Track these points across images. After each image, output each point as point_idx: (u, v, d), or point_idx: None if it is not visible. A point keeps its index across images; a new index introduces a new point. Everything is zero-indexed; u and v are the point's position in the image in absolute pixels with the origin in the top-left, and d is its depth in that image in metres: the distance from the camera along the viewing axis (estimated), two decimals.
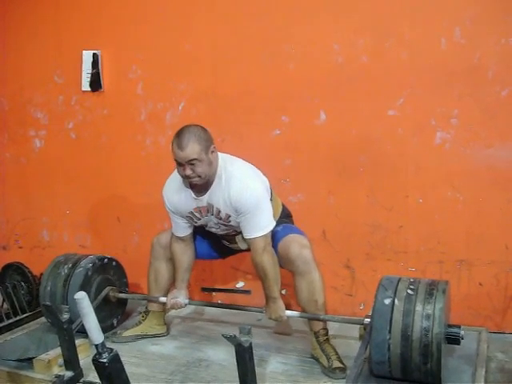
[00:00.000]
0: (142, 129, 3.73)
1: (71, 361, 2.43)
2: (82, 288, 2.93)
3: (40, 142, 4.12)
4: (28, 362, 2.66)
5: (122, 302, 3.30)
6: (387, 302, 2.28)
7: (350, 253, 3.28)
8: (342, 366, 2.56)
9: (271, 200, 2.73)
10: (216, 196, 2.64)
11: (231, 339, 2.00)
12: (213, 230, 2.83)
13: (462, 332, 2.33)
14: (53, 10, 3.96)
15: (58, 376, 2.41)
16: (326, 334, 2.71)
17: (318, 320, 2.70)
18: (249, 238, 2.64)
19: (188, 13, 3.53)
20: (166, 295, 3.06)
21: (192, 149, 2.48)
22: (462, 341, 2.36)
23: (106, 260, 3.21)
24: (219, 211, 2.67)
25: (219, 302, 3.65)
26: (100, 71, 3.81)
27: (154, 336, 3.08)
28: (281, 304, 2.69)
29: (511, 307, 3.02)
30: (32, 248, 4.20)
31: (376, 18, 3.13)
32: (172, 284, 3.04)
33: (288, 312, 2.70)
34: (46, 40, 4.00)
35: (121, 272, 3.32)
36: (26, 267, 3.56)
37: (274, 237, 2.72)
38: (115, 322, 3.24)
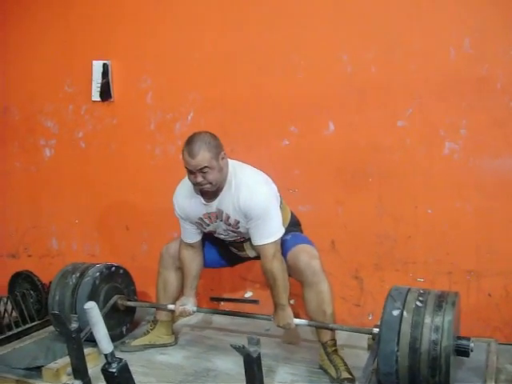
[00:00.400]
0: (151, 138, 3.75)
1: (80, 370, 2.43)
2: (90, 297, 2.95)
3: (50, 151, 4.15)
4: (36, 370, 2.67)
5: (131, 310, 3.29)
6: (396, 313, 2.27)
7: (359, 263, 3.28)
8: (350, 376, 2.54)
9: (280, 207, 2.73)
10: (225, 202, 2.65)
11: (240, 350, 2.00)
12: (221, 236, 2.83)
13: (472, 344, 2.31)
14: (64, 19, 4.00)
15: None
16: (335, 344, 2.70)
17: (327, 329, 2.69)
18: (258, 244, 2.64)
19: (198, 24, 3.55)
20: (174, 303, 3.07)
21: (203, 156, 2.48)
22: (470, 352, 2.34)
23: (113, 268, 3.21)
24: (228, 217, 2.67)
25: (228, 311, 3.64)
26: (110, 81, 3.84)
27: (162, 346, 3.08)
28: (289, 311, 2.68)
29: None
30: (41, 256, 4.21)
31: (385, 29, 3.14)
32: (180, 293, 3.03)
33: (296, 320, 2.69)
34: (57, 50, 4.04)
35: (128, 280, 3.32)
36: (35, 276, 3.57)
37: (284, 246, 2.71)
38: (124, 330, 3.24)
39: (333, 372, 2.60)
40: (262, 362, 2.06)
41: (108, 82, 3.84)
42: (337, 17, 3.25)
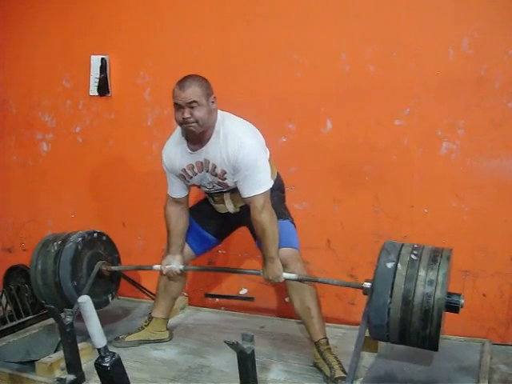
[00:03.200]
0: (148, 134, 3.75)
1: (73, 364, 2.43)
2: (73, 263, 2.93)
3: (47, 145, 4.15)
4: (30, 364, 2.67)
5: (116, 278, 3.23)
6: (390, 265, 2.24)
7: (354, 262, 3.28)
8: (344, 375, 2.53)
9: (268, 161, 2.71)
10: (213, 151, 2.61)
11: (233, 346, 2.00)
12: (206, 189, 2.80)
13: (462, 301, 2.26)
14: (62, 14, 4.00)
15: (59, 379, 2.42)
16: (327, 343, 2.70)
17: (316, 282, 2.69)
18: (248, 196, 2.60)
19: (197, 20, 3.55)
20: (172, 306, 3.12)
21: (193, 91, 2.49)
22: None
23: (95, 234, 3.15)
24: (215, 167, 2.64)
25: (223, 308, 3.64)
26: (108, 76, 3.84)
27: (157, 341, 3.07)
28: (278, 264, 2.63)
29: None
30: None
31: (384, 28, 3.14)
32: (181, 292, 3.06)
33: (285, 274, 2.64)
34: (55, 44, 4.04)
35: (112, 247, 3.25)
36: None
37: None
38: (110, 298, 3.17)
39: (327, 370, 2.60)
40: (256, 359, 2.06)
41: (106, 77, 3.84)
42: (335, 15, 3.25)
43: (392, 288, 2.20)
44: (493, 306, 3.04)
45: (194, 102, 2.49)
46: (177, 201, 2.87)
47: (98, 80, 3.86)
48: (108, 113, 3.90)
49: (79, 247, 3.00)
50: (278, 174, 2.88)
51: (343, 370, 2.57)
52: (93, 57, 3.87)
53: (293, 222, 2.80)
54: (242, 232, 2.94)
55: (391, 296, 2.20)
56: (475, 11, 2.98)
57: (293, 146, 3.36)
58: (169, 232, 2.91)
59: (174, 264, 2.88)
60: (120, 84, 3.86)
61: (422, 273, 2.20)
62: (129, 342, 3.04)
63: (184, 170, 2.73)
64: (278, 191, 2.83)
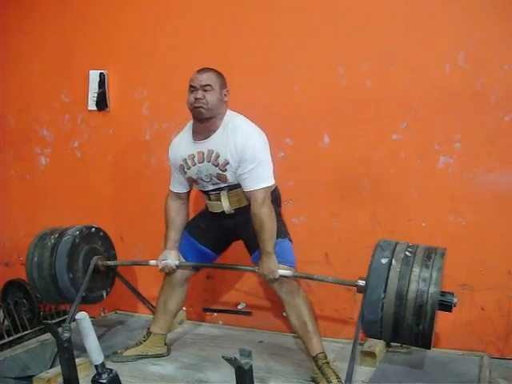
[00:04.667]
0: (146, 148, 3.76)
1: (71, 380, 2.41)
2: (70, 256, 2.94)
3: (45, 159, 4.15)
4: (27, 379, 2.66)
5: (111, 273, 3.24)
6: (384, 261, 2.25)
7: (352, 276, 3.22)
8: None
9: None
10: (219, 142, 2.69)
11: (231, 361, 1.99)
12: (203, 183, 2.80)
13: (455, 299, 2.26)
14: (61, 29, 4.03)
15: None
16: (325, 357, 2.70)
17: (311, 279, 2.73)
18: (249, 190, 2.64)
19: (195, 36, 3.57)
20: (171, 322, 3.12)
21: (209, 76, 2.68)
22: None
23: (93, 229, 3.16)
24: (218, 156, 2.68)
25: (221, 323, 3.63)
26: (106, 91, 3.85)
27: (155, 356, 3.06)
28: (274, 260, 2.65)
29: None
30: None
31: (380, 42, 3.16)
32: (180, 308, 3.09)
33: (281, 271, 2.65)
34: (54, 59, 4.06)
35: (108, 243, 3.27)
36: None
37: None
38: (104, 294, 3.17)
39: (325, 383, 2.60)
40: (254, 374, 2.04)
41: (104, 92, 3.85)
42: (333, 30, 3.27)
43: (386, 283, 2.21)
44: (491, 319, 3.03)
45: (208, 85, 2.65)
46: (178, 195, 2.93)
47: (96, 95, 3.87)
48: (106, 127, 3.91)
49: (76, 240, 3.01)
50: (276, 186, 2.88)
51: None
52: (91, 71, 3.88)
53: (291, 240, 2.82)
54: (240, 247, 2.95)
55: (385, 291, 2.20)
56: (471, 26, 3.01)
57: (290, 161, 3.37)
58: (167, 226, 2.94)
59: (170, 259, 2.90)
60: (118, 99, 3.88)
61: (416, 269, 2.21)
62: (126, 356, 3.02)
63: (185, 159, 2.79)
64: (274, 204, 2.81)
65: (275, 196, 2.85)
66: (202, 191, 2.87)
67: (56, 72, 4.05)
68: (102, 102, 3.86)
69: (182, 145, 2.82)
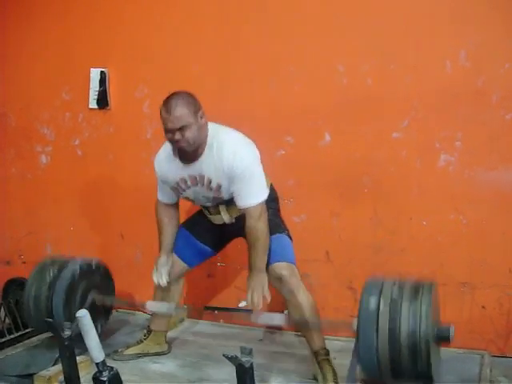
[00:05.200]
0: (147, 147, 3.74)
1: (71, 378, 2.42)
2: (68, 291, 2.93)
3: (46, 158, 4.15)
4: (29, 377, 2.66)
5: (107, 310, 3.22)
6: (372, 307, 2.22)
7: (353, 274, 3.27)
8: None
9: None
10: (207, 165, 2.60)
11: (232, 359, 1.99)
12: (199, 202, 2.81)
13: (452, 332, 2.24)
14: (62, 27, 4.02)
15: None
16: (326, 354, 2.69)
17: (307, 326, 2.68)
18: (244, 207, 2.60)
19: (195, 34, 3.57)
20: (167, 321, 3.14)
21: (180, 113, 2.47)
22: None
23: (93, 265, 3.13)
24: (210, 181, 2.62)
25: (221, 321, 3.64)
26: (107, 89, 3.85)
27: (156, 354, 3.07)
28: (265, 278, 2.60)
29: None
30: (35, 263, 4.19)
31: (381, 41, 3.16)
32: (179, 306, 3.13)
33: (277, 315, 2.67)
34: (55, 57, 4.05)
35: (108, 279, 3.24)
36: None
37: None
38: (99, 327, 3.09)
39: (321, 381, 2.60)
40: (255, 372, 2.05)
41: (105, 90, 3.85)
42: (334, 29, 3.27)
43: (377, 330, 2.18)
44: (492, 318, 3.03)
45: (183, 125, 2.47)
46: (167, 205, 2.90)
47: (97, 93, 3.87)
48: (107, 126, 3.91)
49: (75, 276, 3.00)
50: (271, 184, 2.88)
51: (336, 383, 2.56)
52: (92, 70, 3.88)
53: (289, 235, 2.81)
54: (241, 245, 2.94)
55: (377, 338, 2.17)
56: (472, 24, 3.00)
57: (291, 159, 3.37)
58: (160, 232, 2.92)
59: (163, 273, 2.85)
60: (119, 97, 3.87)
61: (404, 310, 2.18)
62: (128, 355, 3.03)
63: (177, 183, 2.74)
64: (272, 203, 2.83)
65: (272, 194, 2.84)
66: (201, 206, 2.87)
67: (57, 70, 4.04)
68: (102, 101, 3.86)
69: (171, 167, 2.73)
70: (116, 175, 3.90)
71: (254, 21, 3.45)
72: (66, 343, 2.39)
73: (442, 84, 3.05)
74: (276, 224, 2.75)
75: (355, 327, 2.28)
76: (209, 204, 2.79)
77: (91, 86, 3.89)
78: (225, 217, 2.81)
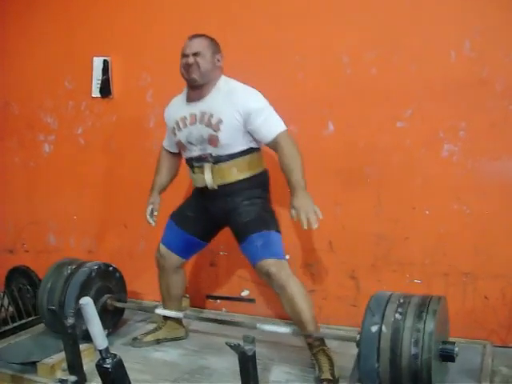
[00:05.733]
0: (150, 135, 3.76)
1: (75, 365, 2.43)
2: (82, 286, 2.96)
3: (49, 146, 4.16)
4: (32, 365, 2.67)
5: (117, 315, 3.25)
6: (374, 329, 2.21)
7: (356, 263, 3.27)
8: (330, 378, 2.52)
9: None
10: (211, 102, 2.72)
11: (235, 348, 2.00)
12: (188, 149, 2.81)
13: (457, 349, 2.24)
14: (64, 15, 4.02)
15: (61, 380, 2.42)
16: (320, 344, 2.67)
17: (311, 336, 2.66)
18: (272, 137, 2.66)
19: (199, 22, 3.55)
20: (180, 305, 3.18)
21: (200, 42, 2.72)
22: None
23: (111, 268, 3.20)
24: (211, 115, 2.69)
25: (224, 310, 3.64)
26: (110, 78, 3.85)
27: (174, 339, 3.12)
28: (308, 194, 2.58)
29: None
30: (38, 252, 4.22)
31: (385, 31, 3.14)
32: (184, 292, 3.19)
33: (282, 329, 2.72)
34: (58, 45, 4.05)
35: (122, 285, 3.28)
36: (32, 271, 3.58)
37: (251, 252, 2.72)
38: (105, 333, 3.15)
39: (316, 371, 2.60)
40: (257, 360, 2.06)
41: (108, 79, 3.85)
42: (338, 18, 3.25)
43: (378, 353, 2.17)
44: (494, 308, 3.03)
45: (198, 52, 2.69)
46: (170, 152, 3.08)
47: (100, 82, 3.86)
48: (110, 114, 3.91)
49: (92, 274, 3.06)
50: (265, 171, 2.89)
51: (332, 373, 2.55)
52: (95, 58, 3.87)
53: (278, 230, 2.77)
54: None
55: (378, 361, 2.17)
56: (476, 13, 2.98)
57: None
58: (157, 173, 3.11)
59: (150, 208, 3.05)
60: (122, 86, 3.87)
61: (406, 334, 2.16)
62: (147, 342, 3.07)
63: (177, 122, 2.82)
64: (264, 192, 2.85)
65: (263, 180, 2.86)
66: (188, 163, 2.87)
67: (59, 59, 4.04)
68: (105, 89, 3.86)
69: (176, 106, 2.89)
70: (119, 164, 3.90)
71: (258, 10, 3.43)
72: (69, 331, 2.40)
73: (446, 74, 3.03)
74: (264, 220, 2.74)
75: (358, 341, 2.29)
76: (197, 152, 2.77)
77: (94, 75, 3.89)
78: (207, 177, 2.75)
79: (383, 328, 2.21)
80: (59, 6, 4.03)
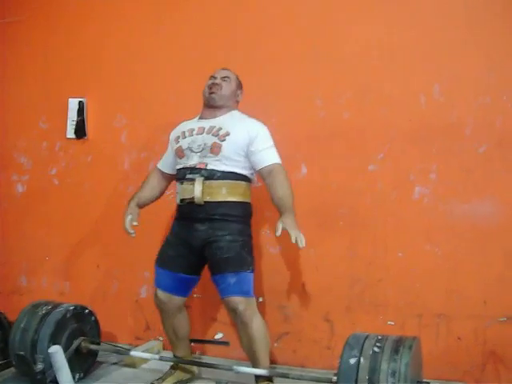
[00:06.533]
0: (124, 177, 3.75)
1: None
2: (57, 326, 2.92)
3: (22, 186, 4.12)
4: None
5: (90, 360, 3.19)
6: (353, 361, 2.25)
7: (330, 306, 3.27)
8: None
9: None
10: (224, 121, 2.89)
11: None
12: (187, 157, 2.86)
13: None
14: (41, 56, 4.03)
15: None
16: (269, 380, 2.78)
17: (287, 377, 2.69)
18: (269, 164, 2.82)
19: (173, 65, 3.60)
20: (188, 344, 3.16)
21: (230, 73, 3.03)
22: None
23: (86, 311, 3.17)
24: (220, 129, 2.84)
25: (198, 353, 3.60)
26: (85, 119, 3.85)
27: (189, 380, 3.09)
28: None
29: (490, 362, 3.00)
30: (9, 293, 4.14)
31: (358, 75, 3.21)
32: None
33: (258, 371, 2.73)
34: (33, 86, 4.06)
35: (97, 330, 3.25)
36: (2, 313, 3.50)
37: (222, 286, 2.77)
38: (76, 377, 2.96)
39: None
40: None
41: (83, 120, 3.85)
42: (311, 62, 3.31)
43: (356, 382, 2.20)
44: (468, 349, 3.03)
45: (227, 77, 2.97)
46: (161, 173, 3.12)
47: (75, 123, 3.86)
48: (85, 155, 3.90)
49: (68, 315, 3.02)
50: (249, 204, 2.94)
51: None
52: (70, 100, 3.89)
53: (252, 270, 2.83)
54: None
55: None
56: (446, 58, 3.06)
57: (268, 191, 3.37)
58: (141, 188, 3.13)
59: (129, 218, 3.00)
60: (97, 127, 3.88)
61: (384, 366, 2.21)
62: None
63: (183, 132, 2.95)
64: (247, 227, 2.90)
65: (248, 213, 2.93)
66: (179, 176, 2.90)
67: (35, 99, 4.05)
68: (80, 130, 3.86)
69: (186, 123, 3.03)
70: (93, 205, 3.88)
71: (233, 53, 3.48)
72: (38, 377, 2.36)
73: (416, 117, 3.10)
74: (243, 260, 2.79)
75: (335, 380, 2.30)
76: (193, 163, 2.82)
77: (69, 116, 3.89)
78: (197, 189, 2.77)
79: (361, 360, 2.24)
80: (36, 47, 4.05)
